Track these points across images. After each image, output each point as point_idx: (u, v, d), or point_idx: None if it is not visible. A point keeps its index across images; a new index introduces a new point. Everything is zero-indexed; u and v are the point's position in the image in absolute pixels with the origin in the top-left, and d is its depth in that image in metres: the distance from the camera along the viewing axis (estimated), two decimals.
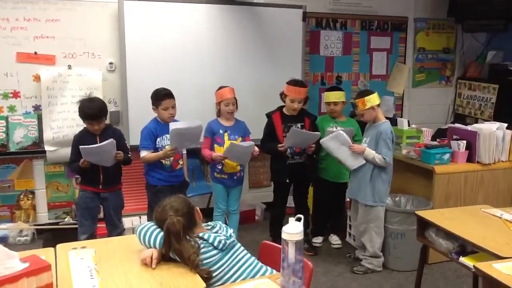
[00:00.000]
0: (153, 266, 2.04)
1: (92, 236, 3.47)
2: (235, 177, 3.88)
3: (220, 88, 3.83)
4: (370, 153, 3.55)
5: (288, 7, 4.82)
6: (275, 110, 3.99)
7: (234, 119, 3.89)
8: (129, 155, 3.55)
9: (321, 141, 3.75)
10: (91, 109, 3.33)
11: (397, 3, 5.48)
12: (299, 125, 3.87)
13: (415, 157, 3.96)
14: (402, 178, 4.08)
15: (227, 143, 3.76)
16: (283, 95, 3.91)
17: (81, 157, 3.29)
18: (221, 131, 3.80)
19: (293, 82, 3.87)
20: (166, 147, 3.52)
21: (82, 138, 3.41)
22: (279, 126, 3.89)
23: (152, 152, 3.55)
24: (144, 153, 3.55)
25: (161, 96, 3.54)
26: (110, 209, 3.55)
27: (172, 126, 3.37)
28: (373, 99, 3.57)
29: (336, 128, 4.07)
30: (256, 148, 3.76)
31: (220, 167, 3.82)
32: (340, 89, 4.19)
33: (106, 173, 3.44)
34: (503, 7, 5.00)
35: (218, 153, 3.72)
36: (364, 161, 3.60)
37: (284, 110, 3.94)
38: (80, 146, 3.22)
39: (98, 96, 3.84)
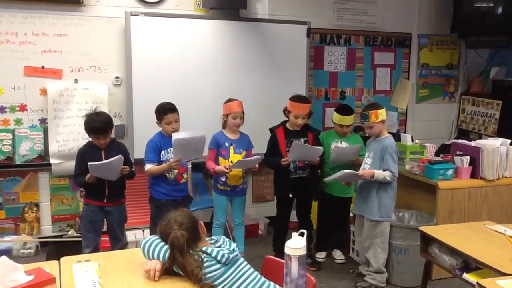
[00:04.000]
0: (156, 278, 2.05)
1: (95, 249, 3.48)
2: (237, 189, 3.90)
3: (229, 100, 3.87)
4: (380, 174, 3.54)
5: (293, 23, 4.88)
6: (278, 125, 4.01)
7: (239, 132, 3.92)
8: (133, 169, 3.57)
9: (325, 180, 3.81)
10: (98, 123, 3.36)
11: (401, 19, 5.53)
12: (302, 140, 3.89)
13: (419, 173, 3.96)
14: (406, 193, 4.08)
15: (232, 156, 3.79)
16: (286, 111, 3.93)
17: (85, 171, 3.31)
18: (226, 144, 3.83)
19: (297, 98, 3.89)
20: (170, 160, 3.54)
21: (86, 152, 3.43)
22: (282, 141, 3.91)
23: (156, 165, 3.57)
24: (148, 166, 3.57)
25: (164, 111, 3.57)
26: (114, 223, 3.56)
27: (175, 136, 3.39)
28: (383, 113, 3.61)
29: (341, 143, 4.08)
30: (257, 166, 3.81)
31: (223, 179, 3.84)
32: (352, 111, 4.16)
33: (111, 187, 3.45)
34: (506, 23, 5.04)
35: (221, 167, 3.74)
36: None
37: (288, 125, 3.96)
38: (89, 163, 3.22)
39: (104, 110, 3.88)
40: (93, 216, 3.49)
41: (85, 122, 3.40)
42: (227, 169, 3.71)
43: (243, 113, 3.85)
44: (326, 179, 3.81)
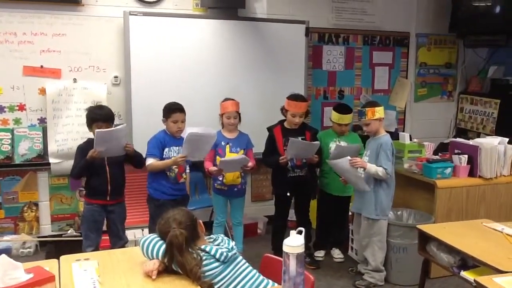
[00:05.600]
0: (153, 277, 2.06)
1: (96, 248, 3.49)
2: (235, 189, 3.91)
3: (225, 100, 3.88)
4: (372, 167, 3.57)
5: (291, 23, 4.89)
6: (276, 124, 4.02)
7: (237, 131, 3.93)
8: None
9: (328, 161, 3.77)
10: (101, 115, 3.41)
11: (399, 19, 5.54)
12: (299, 138, 3.89)
13: (417, 171, 3.98)
14: (404, 192, 4.09)
15: (228, 155, 3.81)
16: (283, 110, 3.94)
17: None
18: (223, 143, 3.84)
19: (294, 97, 3.90)
20: (175, 156, 3.55)
21: (87, 148, 3.41)
22: (280, 139, 3.92)
23: (159, 161, 3.58)
24: (150, 161, 3.57)
25: (173, 109, 3.61)
26: (116, 221, 3.58)
27: (189, 130, 3.44)
28: (381, 111, 3.61)
29: (340, 142, 4.09)
30: (250, 163, 3.78)
31: (221, 178, 3.85)
32: (351, 110, 4.18)
33: (113, 183, 3.48)
34: (504, 23, 5.05)
35: (214, 168, 3.76)
36: (368, 189, 3.58)
37: (285, 124, 3.98)
38: (96, 130, 3.25)
39: None
40: (96, 216, 3.50)
41: (88, 113, 3.44)
42: (216, 172, 3.73)
43: (238, 113, 3.86)
44: (329, 161, 3.77)
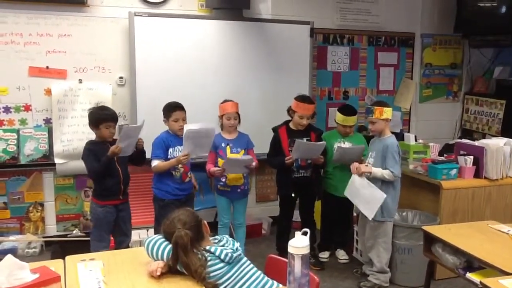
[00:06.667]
0: (158, 273, 2.07)
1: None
2: (238, 190, 3.89)
3: (224, 101, 3.87)
4: (378, 171, 3.54)
5: (296, 23, 4.89)
6: (281, 124, 4.01)
7: (237, 132, 3.92)
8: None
9: (345, 194, 3.76)
10: (109, 115, 3.43)
11: (404, 19, 5.53)
12: (305, 139, 3.88)
13: (422, 172, 3.97)
14: (409, 193, 4.08)
15: (230, 156, 3.79)
16: (290, 111, 3.93)
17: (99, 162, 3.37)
18: (223, 145, 3.83)
19: (302, 99, 3.89)
20: (179, 154, 3.56)
21: (94, 147, 3.43)
22: (285, 140, 3.92)
23: (163, 161, 3.59)
24: (156, 162, 3.58)
25: (173, 108, 3.62)
26: (126, 220, 3.60)
27: (187, 127, 3.45)
28: (389, 112, 3.60)
29: (344, 143, 4.08)
30: (254, 163, 3.77)
31: (224, 180, 3.84)
32: (356, 111, 4.15)
33: (125, 182, 3.52)
34: (510, 23, 5.03)
35: (216, 168, 3.75)
36: (384, 195, 3.50)
37: (291, 124, 3.97)
38: (124, 125, 3.31)
39: None
40: (109, 217, 3.50)
41: (93, 114, 3.44)
42: (218, 171, 3.73)
43: (238, 114, 3.85)
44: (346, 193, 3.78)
